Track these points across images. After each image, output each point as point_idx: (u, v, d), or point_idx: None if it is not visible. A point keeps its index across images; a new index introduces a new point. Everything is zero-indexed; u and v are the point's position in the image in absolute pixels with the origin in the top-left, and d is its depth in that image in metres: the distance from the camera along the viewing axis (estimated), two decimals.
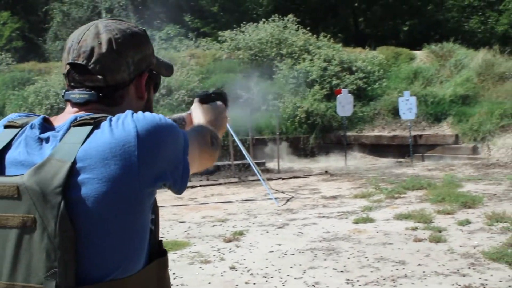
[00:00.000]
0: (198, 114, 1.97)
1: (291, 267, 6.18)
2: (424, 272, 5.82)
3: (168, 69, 1.73)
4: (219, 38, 21.16)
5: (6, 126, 1.47)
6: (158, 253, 1.49)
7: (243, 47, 19.46)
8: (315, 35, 20.19)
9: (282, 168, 14.33)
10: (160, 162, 1.39)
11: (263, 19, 20.85)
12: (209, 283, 5.77)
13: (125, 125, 1.36)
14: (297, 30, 20.25)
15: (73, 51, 1.49)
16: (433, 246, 6.77)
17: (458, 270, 5.83)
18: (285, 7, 26.51)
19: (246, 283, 5.72)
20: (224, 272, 6.09)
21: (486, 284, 5.35)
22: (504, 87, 16.14)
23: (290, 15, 20.79)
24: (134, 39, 1.54)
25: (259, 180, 11.41)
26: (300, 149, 16.46)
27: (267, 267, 6.21)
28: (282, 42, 19.45)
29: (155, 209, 1.49)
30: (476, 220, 7.91)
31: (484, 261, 6.08)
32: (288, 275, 5.90)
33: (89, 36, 1.49)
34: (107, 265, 1.33)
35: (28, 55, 24.08)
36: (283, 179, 12.97)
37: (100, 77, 1.47)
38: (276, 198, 10.15)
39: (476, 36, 28.71)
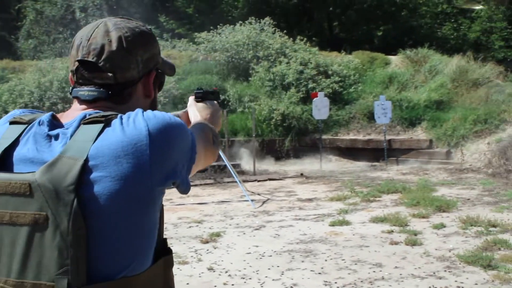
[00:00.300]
0: (194, 112, 1.97)
1: (268, 269, 6.19)
2: (401, 274, 5.87)
3: (171, 69, 1.73)
4: (196, 40, 21.11)
5: (12, 123, 1.46)
6: (163, 251, 1.49)
7: (219, 49, 19.43)
8: (291, 39, 20.24)
9: (258, 170, 14.34)
10: (170, 160, 1.39)
11: (240, 22, 20.84)
12: (187, 283, 5.76)
13: (136, 123, 1.36)
14: (273, 33, 20.29)
15: (82, 48, 1.48)
16: (409, 249, 6.82)
17: (434, 273, 5.89)
18: (260, 10, 26.50)
19: (225, 284, 5.71)
20: (202, 273, 6.08)
21: (462, 287, 5.41)
22: (478, 93, 16.34)
23: (267, 18, 20.82)
24: (143, 38, 1.55)
25: (235, 181, 11.40)
26: (276, 152, 16.49)
27: (245, 268, 6.21)
28: (258, 44, 19.46)
29: (161, 208, 1.49)
30: (451, 224, 8.00)
31: (460, 264, 6.15)
32: (266, 277, 5.91)
33: (98, 34, 1.49)
34: (118, 263, 1.34)
35: (0, 53, 23.78)
36: (259, 181, 12.98)
37: (110, 74, 1.47)
38: (252, 200, 10.16)
39: (448, 42, 29.01)
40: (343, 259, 6.48)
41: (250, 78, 18.59)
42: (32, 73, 17.62)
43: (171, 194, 11.26)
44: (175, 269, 6.14)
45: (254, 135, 14.62)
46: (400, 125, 16.46)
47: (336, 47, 23.19)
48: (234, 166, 12.56)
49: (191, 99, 2.02)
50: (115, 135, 1.33)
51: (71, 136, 1.36)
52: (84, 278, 1.29)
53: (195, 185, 12.44)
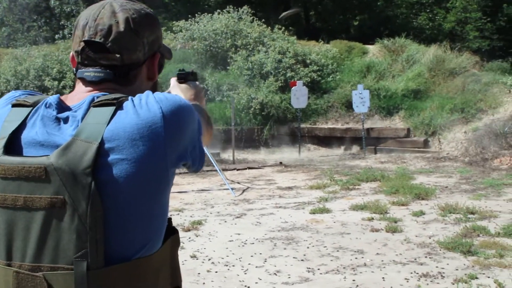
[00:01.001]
0: (178, 93, 1.96)
1: (251, 256, 6.21)
2: (382, 261, 5.93)
3: (169, 52, 1.72)
4: (174, 28, 20.98)
5: (14, 105, 1.44)
6: (168, 230, 1.49)
7: (197, 38, 19.32)
8: (269, 28, 20.21)
9: (237, 158, 14.34)
10: (183, 142, 1.42)
11: (218, 10, 20.75)
12: None
13: (149, 106, 1.37)
14: (252, 22, 20.23)
15: (89, 29, 1.46)
16: (389, 236, 6.89)
17: (415, 259, 5.96)
18: None
19: (208, 271, 5.72)
20: (185, 260, 6.08)
21: (443, 273, 5.49)
22: (454, 82, 16.49)
23: (245, 7, 20.75)
24: (148, 19, 1.54)
25: (214, 170, 11.39)
26: (254, 140, 16.50)
27: (227, 256, 6.23)
28: (236, 33, 19.39)
29: None
30: (430, 211, 8.09)
31: (440, 250, 6.23)
32: (249, 264, 5.94)
33: (105, 15, 1.47)
34: (135, 244, 1.34)
35: None
36: (238, 169, 12.99)
37: (117, 55, 1.46)
38: (232, 189, 10.16)
39: (424, 32, 29.22)
40: (325, 246, 6.53)
41: (228, 67, 18.53)
42: (8, 61, 17.39)
43: None
44: None
45: (233, 124, 14.60)
46: (378, 114, 16.55)
47: (313, 36, 23.20)
48: (213, 154, 12.54)
49: (173, 80, 2.02)
50: (129, 118, 1.34)
51: (82, 118, 1.36)
52: (102, 260, 1.29)
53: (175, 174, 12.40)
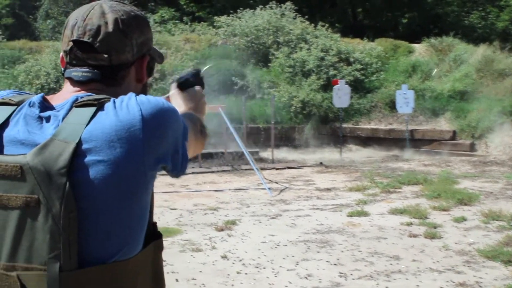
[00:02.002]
0: (177, 101, 1.95)
1: (283, 258, 6.20)
2: (418, 268, 5.85)
3: (160, 57, 1.73)
4: (215, 24, 21.08)
5: (0, 104, 1.46)
6: (152, 235, 1.51)
7: (239, 34, 19.38)
8: (312, 24, 20.14)
9: (276, 158, 14.34)
10: (163, 145, 1.41)
11: (260, 6, 20.77)
12: (200, 271, 5.79)
13: (130, 107, 1.38)
14: (294, 18, 20.19)
15: (78, 29, 1.49)
16: (428, 242, 6.80)
17: (452, 267, 5.87)
18: None
19: (238, 272, 5.74)
20: (216, 261, 6.10)
21: (481, 282, 5.39)
22: (504, 84, 16.18)
23: (288, 3, 20.72)
24: (138, 21, 1.56)
25: (252, 169, 11.41)
26: (295, 140, 16.47)
27: (259, 258, 6.23)
28: (279, 30, 19.38)
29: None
30: (472, 218, 7.95)
31: (479, 259, 6.12)
32: (280, 266, 5.92)
33: (94, 15, 1.50)
34: (110, 247, 1.35)
35: (18, 33, 23.87)
36: (277, 169, 12.98)
37: (105, 55, 1.48)
38: (269, 188, 10.16)
39: (475, 31, 28.71)
40: (360, 251, 6.47)
41: (269, 64, 18.54)
42: (49, 54, 17.69)
43: (187, 181, 11.32)
44: (188, 257, 6.20)
45: (273, 122, 14.60)
46: (423, 115, 16.36)
47: (359, 34, 23.02)
48: (252, 153, 12.58)
49: (173, 87, 2.00)
50: (109, 119, 1.35)
51: (63, 118, 1.37)
52: (76, 262, 1.30)
53: (212, 172, 12.49)
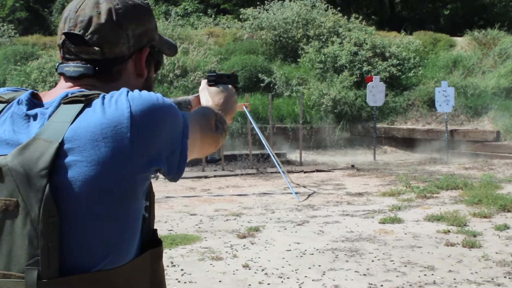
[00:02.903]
0: (206, 97, 1.96)
1: (309, 268, 6.20)
2: (455, 279, 5.81)
3: (171, 48, 1.72)
4: (241, 16, 21.15)
5: None
6: (152, 242, 1.50)
7: (266, 27, 19.44)
8: (345, 16, 20.11)
9: (305, 160, 14.34)
10: (155, 145, 1.39)
11: None
12: (220, 281, 5.81)
13: (118, 104, 1.36)
14: (326, 10, 20.19)
15: (69, 21, 1.49)
16: (466, 252, 6.75)
17: (492, 278, 5.81)
18: None
19: (260, 283, 5.75)
20: (237, 270, 6.12)
21: None
22: None
23: None
24: (135, 11, 1.54)
25: (278, 172, 11.42)
26: (325, 140, 16.45)
27: (283, 267, 6.23)
28: (309, 22, 19.41)
29: (150, 195, 1.50)
30: None
31: None
32: (305, 276, 5.92)
33: (87, 6, 1.49)
34: (94, 254, 1.34)
35: (32, 27, 24.19)
36: (305, 172, 12.98)
37: (97, 48, 1.48)
38: (296, 193, 10.17)
39: None
40: (392, 260, 6.45)
41: (299, 59, 18.56)
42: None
43: (208, 184, 11.37)
44: (207, 265, 6.24)
45: (301, 121, 14.61)
46: (464, 115, 16.24)
47: (397, 27, 22.93)
48: (278, 155, 12.60)
49: (204, 82, 2.01)
50: (95, 116, 1.34)
51: (50, 116, 1.37)
52: (56, 270, 1.30)
53: (236, 175, 12.53)
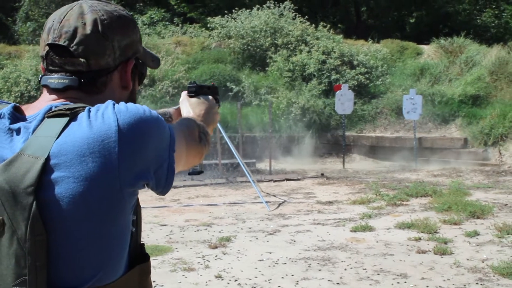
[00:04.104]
0: (187, 108, 1.94)
1: (282, 278, 6.20)
2: (427, 286, 5.86)
3: (154, 60, 1.71)
4: (208, 25, 21.14)
5: None
6: (139, 257, 1.48)
7: (234, 36, 19.44)
8: (313, 25, 20.20)
9: (274, 169, 14.36)
10: (143, 160, 1.37)
11: (257, 6, 20.83)
12: None
13: (105, 117, 1.33)
14: (294, 19, 20.26)
15: (53, 31, 1.46)
16: (438, 259, 6.81)
17: (464, 285, 5.87)
18: None
19: None
20: (209, 281, 6.10)
21: None
22: None
23: (287, 2, 20.79)
24: (121, 22, 1.52)
25: (248, 181, 11.42)
26: (294, 149, 16.48)
27: (256, 277, 6.23)
28: (277, 31, 19.46)
29: (137, 209, 1.48)
30: (485, 232, 7.96)
31: (494, 276, 6.12)
32: (279, 286, 5.93)
33: (72, 16, 1.47)
34: (83, 272, 1.32)
35: None
36: (275, 181, 12.99)
37: (82, 60, 1.45)
38: (267, 202, 10.17)
39: (489, 31, 28.82)
40: (365, 269, 6.48)
41: (267, 68, 18.60)
42: (29, 59, 17.72)
43: (178, 194, 11.32)
44: (179, 277, 6.19)
45: (270, 130, 14.64)
46: (432, 122, 16.40)
47: (364, 35, 23.12)
48: (248, 164, 12.60)
49: (184, 94, 2.00)
50: (81, 131, 1.31)
51: (34, 130, 1.35)
52: None
53: (205, 185, 12.49)
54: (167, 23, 24.77)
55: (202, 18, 25.64)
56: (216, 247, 7.45)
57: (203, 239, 7.89)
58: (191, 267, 6.59)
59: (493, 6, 30.56)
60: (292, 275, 6.28)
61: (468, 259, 6.75)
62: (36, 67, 16.75)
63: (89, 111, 1.35)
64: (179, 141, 1.50)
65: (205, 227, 8.63)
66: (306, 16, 20.62)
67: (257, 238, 7.92)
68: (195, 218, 9.20)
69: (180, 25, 24.08)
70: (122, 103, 1.39)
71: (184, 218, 9.27)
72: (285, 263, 6.73)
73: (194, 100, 1.96)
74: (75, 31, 1.45)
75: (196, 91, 1.99)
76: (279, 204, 10.31)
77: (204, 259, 6.90)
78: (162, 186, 1.44)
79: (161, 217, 9.31)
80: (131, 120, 1.35)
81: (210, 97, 2.00)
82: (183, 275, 6.28)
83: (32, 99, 15.51)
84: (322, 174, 13.78)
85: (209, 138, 1.77)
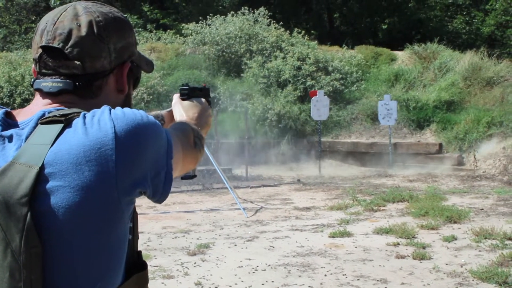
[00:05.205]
0: (179, 111, 1.90)
1: (262, 284, 6.18)
2: None
3: (148, 64, 1.66)
4: (183, 31, 21.09)
5: None
6: (136, 265, 1.45)
7: (209, 42, 19.42)
8: (288, 31, 20.25)
9: (251, 175, 14.33)
10: (140, 167, 1.33)
11: (232, 12, 20.83)
12: None
13: (101, 124, 1.29)
14: (268, 25, 20.29)
15: (47, 33, 1.42)
16: (417, 264, 6.83)
17: None
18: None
19: None
20: None
21: None
22: (492, 93, 16.39)
23: (261, 9, 20.81)
24: (116, 24, 1.48)
25: (225, 188, 11.39)
26: (270, 155, 16.48)
27: (236, 284, 6.20)
28: (252, 37, 19.46)
29: (133, 216, 1.44)
30: (463, 237, 8.01)
31: (473, 280, 6.16)
32: None
33: (66, 17, 1.42)
34: (81, 285, 1.28)
35: None
36: (252, 187, 12.98)
37: (77, 63, 1.41)
38: (244, 208, 10.14)
39: (460, 37, 29.14)
40: (344, 274, 6.48)
41: (242, 74, 18.59)
42: (1, 66, 17.54)
43: None
44: (159, 284, 6.14)
45: (246, 137, 14.61)
46: (407, 128, 16.50)
47: (337, 41, 23.22)
48: (224, 171, 12.55)
49: (176, 96, 1.96)
50: (77, 138, 1.27)
51: (27, 137, 1.30)
52: None
53: (181, 192, 12.42)
54: (140, 29, 24.66)
55: (176, 24, 25.58)
56: (195, 254, 7.40)
57: (181, 246, 7.84)
58: (170, 274, 6.53)
59: (464, 13, 30.91)
60: (272, 281, 6.26)
61: (447, 264, 6.78)
62: (9, 74, 16.58)
63: (84, 117, 1.30)
64: (176, 148, 1.46)
65: (182, 234, 8.57)
66: (281, 23, 20.67)
67: (235, 245, 7.89)
68: (172, 225, 9.14)
69: (154, 31, 23.99)
70: (118, 108, 1.34)
71: (161, 225, 9.21)
72: (264, 270, 6.71)
73: (186, 103, 1.92)
74: (69, 33, 1.41)
75: (188, 93, 1.95)
76: (257, 211, 10.29)
77: (183, 266, 6.85)
78: (159, 194, 1.40)
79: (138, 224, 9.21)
80: (128, 127, 1.30)
81: (203, 99, 1.97)
82: (163, 283, 6.23)
83: (4, 106, 15.32)
84: (299, 180, 13.80)
85: (204, 142, 1.74)
